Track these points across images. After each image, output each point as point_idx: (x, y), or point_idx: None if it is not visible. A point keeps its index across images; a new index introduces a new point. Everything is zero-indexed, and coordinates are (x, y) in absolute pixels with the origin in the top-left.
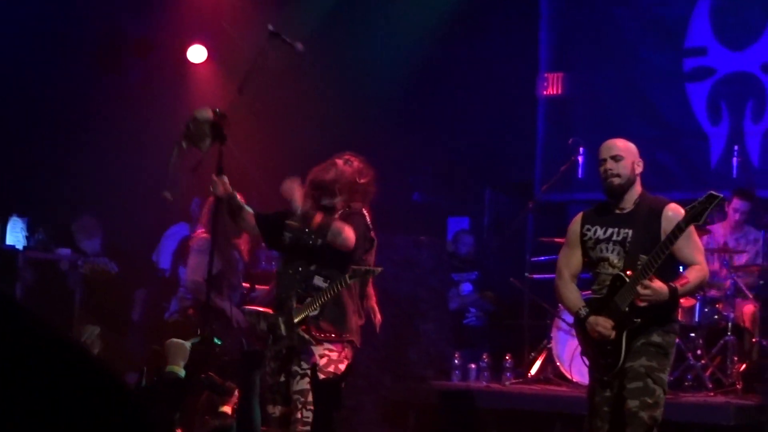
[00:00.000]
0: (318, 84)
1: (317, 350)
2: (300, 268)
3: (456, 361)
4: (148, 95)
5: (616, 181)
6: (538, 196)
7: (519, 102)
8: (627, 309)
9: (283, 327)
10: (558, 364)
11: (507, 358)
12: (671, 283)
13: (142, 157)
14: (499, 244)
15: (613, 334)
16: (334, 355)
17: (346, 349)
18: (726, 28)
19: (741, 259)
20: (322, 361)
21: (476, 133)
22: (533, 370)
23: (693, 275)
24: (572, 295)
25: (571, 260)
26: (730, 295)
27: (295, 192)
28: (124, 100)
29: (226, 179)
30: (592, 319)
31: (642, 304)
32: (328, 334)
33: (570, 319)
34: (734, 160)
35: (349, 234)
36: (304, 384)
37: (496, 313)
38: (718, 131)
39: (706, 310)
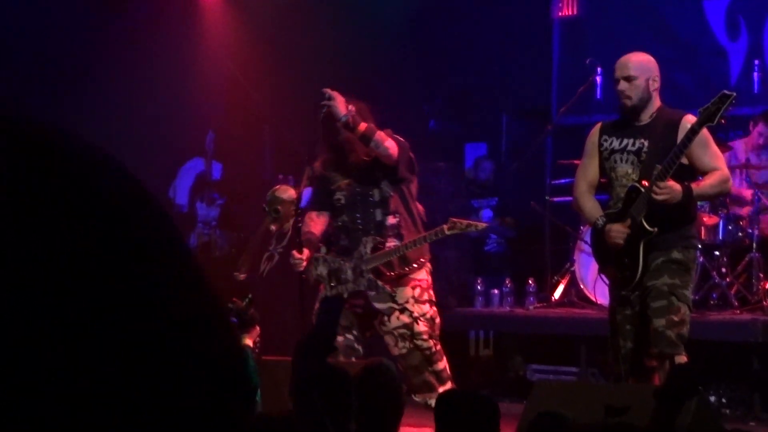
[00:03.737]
0: (328, 18)
1: (407, 283)
2: (363, 215)
3: (479, 288)
4: (156, 34)
5: (629, 102)
6: (555, 119)
7: (533, 24)
8: (643, 219)
9: (349, 272)
10: (582, 286)
11: (530, 282)
12: (686, 183)
13: (150, 96)
14: (518, 169)
15: (626, 242)
16: (423, 283)
17: (426, 271)
18: None
19: (764, 177)
20: (416, 292)
21: (491, 59)
22: (557, 294)
23: (711, 179)
24: (590, 204)
25: (588, 170)
26: (753, 212)
27: (338, 99)
28: (130, 40)
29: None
30: (608, 227)
31: (659, 199)
32: (412, 266)
33: None
34: (755, 75)
35: (391, 144)
36: (405, 318)
37: (517, 238)
38: (737, 47)
39: (730, 227)
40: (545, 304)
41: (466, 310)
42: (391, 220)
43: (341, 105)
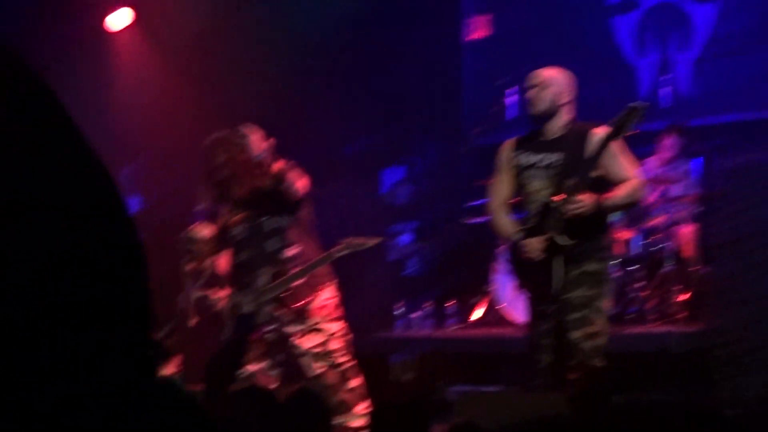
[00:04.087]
0: (243, 46)
1: (317, 302)
2: (260, 248)
3: (398, 312)
4: (66, 73)
5: (534, 110)
6: (470, 140)
7: (445, 48)
8: (558, 233)
9: (250, 306)
10: (500, 307)
11: (448, 305)
12: (598, 196)
13: None
14: (436, 192)
15: (543, 256)
16: (331, 302)
17: (331, 289)
18: None
19: (675, 190)
20: (325, 312)
21: (405, 84)
22: (475, 315)
23: (624, 188)
24: (505, 220)
25: (501, 187)
26: (667, 226)
27: (253, 136)
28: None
29: None
30: (524, 242)
31: (572, 213)
32: (316, 292)
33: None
34: (663, 90)
35: (302, 184)
36: (318, 338)
37: (437, 261)
38: (646, 63)
39: (645, 242)
40: (464, 324)
41: (387, 334)
42: (292, 251)
43: (256, 142)
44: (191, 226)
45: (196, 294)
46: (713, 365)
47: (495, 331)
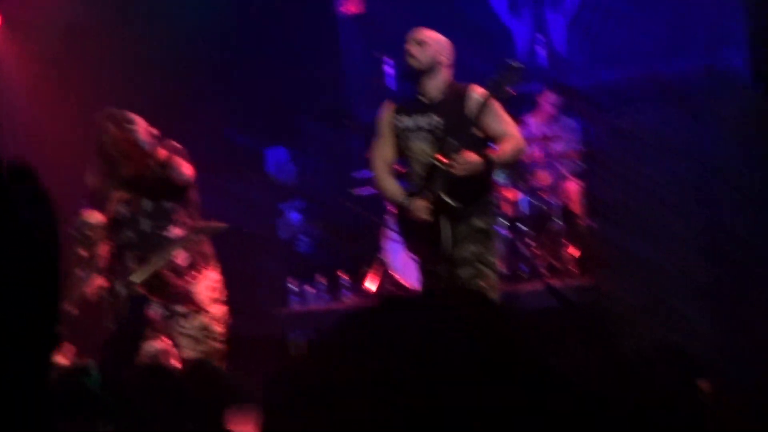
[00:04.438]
0: (118, 36)
1: (203, 284)
2: (141, 228)
3: (293, 288)
4: None
5: (413, 63)
6: (352, 115)
7: (321, 23)
8: (444, 193)
9: (122, 290)
10: (393, 274)
11: (340, 275)
12: (482, 154)
13: None
14: (321, 168)
15: (431, 217)
16: (218, 283)
17: (218, 271)
18: None
19: (558, 147)
20: (212, 293)
21: (285, 63)
22: (367, 283)
23: (505, 146)
24: (390, 183)
25: (384, 150)
26: (553, 183)
27: (140, 124)
28: None
29: None
30: (411, 204)
31: (457, 174)
32: (201, 271)
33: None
34: (540, 50)
35: (188, 169)
36: (203, 320)
37: (328, 236)
38: (520, 25)
39: (532, 200)
40: (360, 295)
41: (283, 310)
42: (174, 233)
43: (143, 131)
44: (82, 212)
45: (89, 280)
46: (606, 319)
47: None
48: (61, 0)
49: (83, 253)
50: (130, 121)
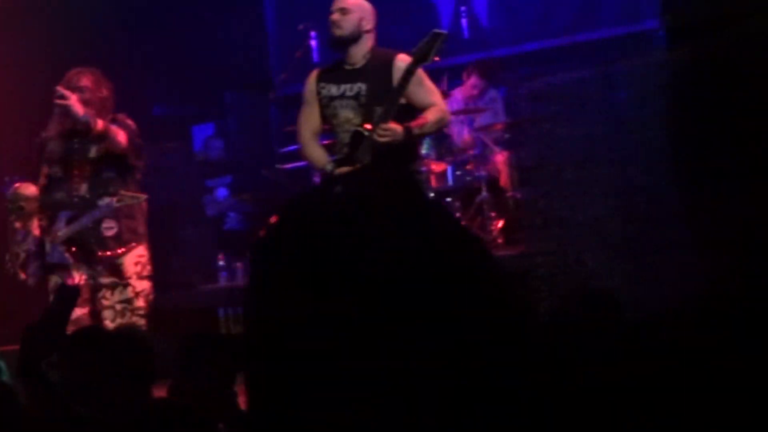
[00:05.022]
0: (39, 11)
1: (130, 258)
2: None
3: (221, 263)
4: None
5: (338, 32)
6: (277, 89)
7: None
8: (369, 161)
9: (48, 246)
10: None
11: None
12: (406, 124)
13: None
14: (248, 144)
15: None
16: (144, 259)
17: (145, 246)
18: None
19: (484, 119)
20: (138, 268)
21: (206, 35)
22: None
23: (429, 114)
24: (316, 151)
25: (310, 119)
26: (479, 155)
27: (73, 99)
28: None
29: None
30: (336, 172)
31: (382, 141)
32: (129, 245)
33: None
34: (463, 21)
35: (122, 137)
36: (127, 293)
37: (255, 212)
38: None
39: (458, 173)
40: None
41: (212, 286)
42: (111, 202)
43: (77, 105)
44: (16, 185)
45: (23, 252)
46: (533, 286)
47: None
48: None
49: (18, 224)
50: (62, 96)
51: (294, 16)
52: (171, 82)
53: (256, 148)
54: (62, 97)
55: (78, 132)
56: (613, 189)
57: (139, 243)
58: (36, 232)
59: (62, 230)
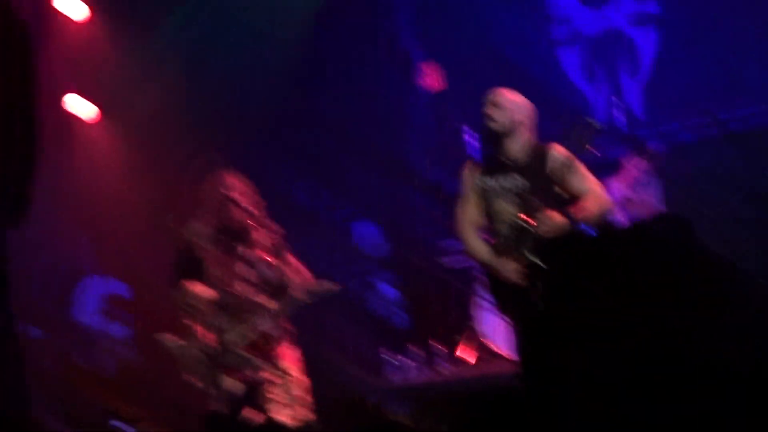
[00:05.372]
0: (196, 119)
1: (289, 354)
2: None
3: (388, 360)
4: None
5: (492, 125)
6: (436, 184)
7: (402, 95)
8: (532, 253)
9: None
10: (486, 342)
11: (437, 346)
12: (566, 211)
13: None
14: (409, 239)
15: (521, 275)
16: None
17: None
18: None
19: (642, 207)
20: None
21: (365, 132)
22: (462, 354)
23: (588, 202)
24: (477, 244)
25: (468, 210)
26: None
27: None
28: None
29: None
30: (501, 264)
31: (543, 232)
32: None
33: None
34: (616, 113)
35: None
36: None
37: (420, 308)
38: (596, 91)
39: None
40: (457, 365)
41: (379, 381)
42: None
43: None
44: (183, 284)
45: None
46: None
47: (483, 365)
48: (146, 94)
49: (188, 322)
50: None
51: (448, 112)
52: (329, 178)
53: (418, 243)
54: None
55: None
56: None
57: (291, 342)
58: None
59: (234, 332)
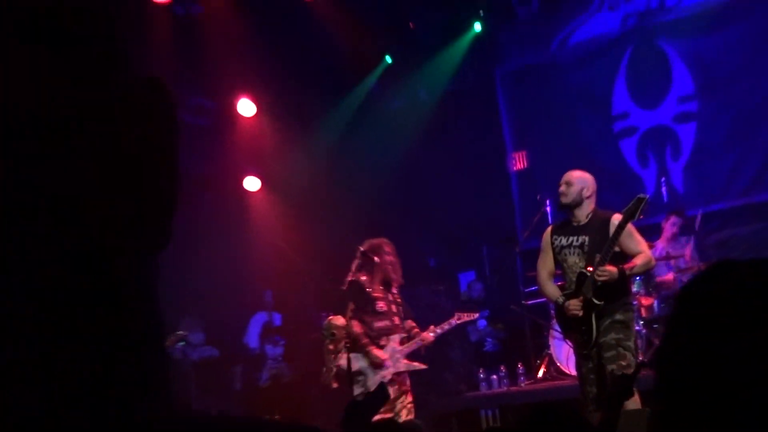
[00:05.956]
0: (347, 172)
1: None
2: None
3: (481, 376)
4: (216, 225)
5: (564, 199)
6: (521, 244)
7: (499, 176)
8: (591, 295)
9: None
10: (558, 364)
11: (519, 366)
12: (620, 266)
13: (218, 270)
14: (500, 285)
15: (582, 313)
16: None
17: None
18: (640, 94)
19: (681, 263)
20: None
21: (470, 206)
22: (540, 373)
23: (638, 259)
24: (551, 288)
25: (546, 263)
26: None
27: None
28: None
29: None
30: (566, 304)
31: (601, 280)
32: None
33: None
34: (663, 190)
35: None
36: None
37: (507, 337)
38: (648, 172)
39: (663, 304)
40: (532, 380)
41: (475, 393)
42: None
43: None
44: (329, 318)
45: (335, 366)
46: None
47: (556, 382)
48: (300, 166)
49: (331, 347)
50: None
51: (533, 190)
52: (442, 240)
53: (507, 288)
54: None
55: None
56: None
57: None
58: (342, 353)
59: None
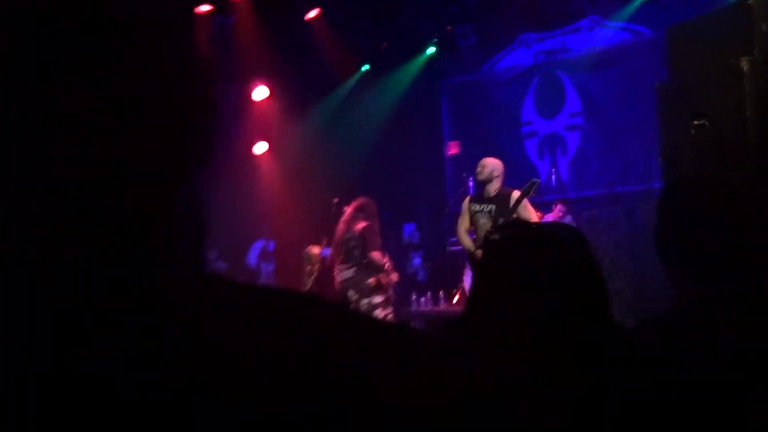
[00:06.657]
0: (330, 147)
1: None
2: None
3: (413, 298)
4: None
5: (479, 177)
6: (449, 207)
7: (438, 159)
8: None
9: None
10: (467, 293)
11: (441, 293)
12: None
13: (231, 209)
14: (432, 235)
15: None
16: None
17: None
18: (541, 108)
19: None
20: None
21: (416, 179)
22: (455, 299)
23: None
24: (466, 240)
25: (464, 222)
26: None
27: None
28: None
29: None
30: (476, 251)
31: None
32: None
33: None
34: (553, 178)
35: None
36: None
37: (434, 271)
38: (543, 164)
39: None
40: (449, 304)
41: (407, 309)
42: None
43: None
44: (308, 247)
45: (310, 282)
46: None
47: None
48: (298, 139)
49: (308, 268)
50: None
51: (461, 170)
52: (394, 202)
53: (436, 237)
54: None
55: None
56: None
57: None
58: (315, 275)
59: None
